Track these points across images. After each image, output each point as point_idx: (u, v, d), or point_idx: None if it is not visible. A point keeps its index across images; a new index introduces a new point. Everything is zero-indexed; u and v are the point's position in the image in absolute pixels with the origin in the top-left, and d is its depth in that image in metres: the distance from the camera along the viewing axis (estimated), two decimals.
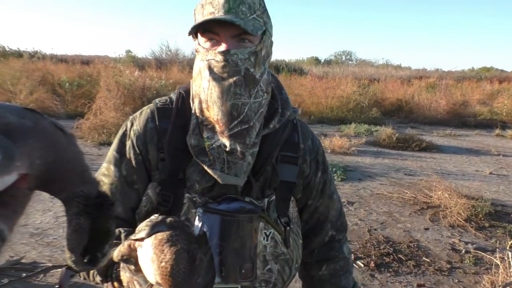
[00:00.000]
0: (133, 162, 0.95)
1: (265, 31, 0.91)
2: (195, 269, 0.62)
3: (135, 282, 0.72)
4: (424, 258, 3.48)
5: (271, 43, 0.96)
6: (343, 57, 47.05)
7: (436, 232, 4.09)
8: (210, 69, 0.88)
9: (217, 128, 0.90)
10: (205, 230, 0.89)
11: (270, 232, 0.95)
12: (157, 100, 1.01)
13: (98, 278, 0.82)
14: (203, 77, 0.90)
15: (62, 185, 0.61)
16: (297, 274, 1.10)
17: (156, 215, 0.70)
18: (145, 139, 0.95)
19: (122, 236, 0.87)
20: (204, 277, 0.65)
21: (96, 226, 0.63)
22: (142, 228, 0.68)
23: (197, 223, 0.90)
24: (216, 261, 0.88)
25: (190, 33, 0.92)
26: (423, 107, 13.35)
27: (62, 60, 18.46)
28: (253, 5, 0.88)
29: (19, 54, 18.38)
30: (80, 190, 0.62)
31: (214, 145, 0.90)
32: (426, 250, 3.66)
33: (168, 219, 0.67)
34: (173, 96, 1.02)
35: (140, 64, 16.97)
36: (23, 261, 2.92)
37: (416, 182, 5.81)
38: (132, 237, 0.70)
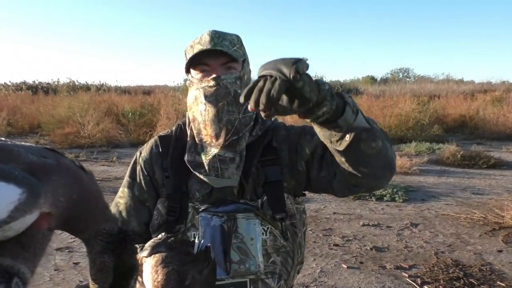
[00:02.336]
0: (143, 183, 1.12)
1: (245, 60, 1.12)
2: (183, 285, 0.71)
3: None
4: (498, 283, 3.23)
5: (250, 71, 1.15)
6: (400, 74, 45.78)
7: (511, 254, 3.79)
8: (205, 94, 1.06)
9: (213, 142, 1.07)
10: (205, 240, 0.98)
11: (268, 228, 1.06)
12: (160, 133, 1.21)
13: None
14: (199, 103, 1.08)
15: (85, 224, 0.60)
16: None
17: (161, 234, 0.79)
18: (151, 162, 1.13)
19: (138, 251, 0.95)
20: None
21: (120, 262, 0.63)
22: (147, 247, 0.77)
23: (201, 229, 1.03)
24: (222, 258, 1.01)
25: (186, 68, 1.11)
26: (489, 122, 12.63)
27: (125, 91, 19.54)
28: (232, 41, 1.08)
29: (87, 87, 19.68)
30: (103, 228, 0.61)
31: (210, 156, 1.06)
32: (500, 273, 3.40)
33: (169, 240, 0.75)
34: (173, 128, 1.21)
35: None
36: None
37: (486, 201, 5.46)
38: (140, 254, 0.78)
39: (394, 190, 5.81)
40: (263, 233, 1.05)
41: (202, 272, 0.74)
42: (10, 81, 22.42)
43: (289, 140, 1.15)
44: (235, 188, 1.08)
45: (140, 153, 1.17)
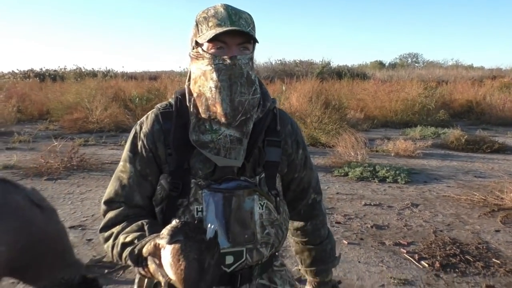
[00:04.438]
0: (145, 158, 1.13)
1: (256, 42, 1.12)
2: (204, 272, 0.79)
3: (159, 273, 0.87)
4: (494, 260, 3.33)
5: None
6: (409, 59, 45.38)
7: (508, 234, 3.89)
8: (219, 71, 1.06)
9: (223, 120, 1.08)
10: (208, 215, 1.09)
11: (264, 203, 1.14)
12: (159, 105, 1.20)
13: (129, 262, 0.96)
14: (209, 79, 1.07)
15: (37, 272, 0.51)
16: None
17: (177, 220, 0.83)
18: (153, 138, 1.13)
19: (146, 228, 1.02)
20: (211, 274, 0.81)
21: None
22: (165, 234, 0.82)
23: (204, 204, 1.09)
24: (224, 230, 1.09)
25: (202, 42, 1.08)
26: (495, 107, 12.61)
27: (131, 77, 19.67)
28: (247, 20, 1.09)
29: (93, 74, 19.80)
30: (61, 278, 0.54)
31: (221, 136, 1.09)
32: (496, 252, 3.50)
33: (186, 228, 0.81)
34: (172, 100, 1.19)
35: None
36: (104, 260, 3.21)
37: (487, 184, 5.54)
38: (157, 240, 0.85)
39: (397, 172, 5.90)
40: (260, 208, 1.13)
41: (214, 256, 0.82)
42: (17, 69, 22.67)
43: (294, 140, 1.26)
44: (235, 167, 1.13)
45: (141, 128, 1.16)
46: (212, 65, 1.06)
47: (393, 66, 35.52)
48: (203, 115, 1.10)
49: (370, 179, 5.82)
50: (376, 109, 12.09)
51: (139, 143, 1.14)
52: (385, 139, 8.85)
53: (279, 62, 23.29)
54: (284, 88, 11.68)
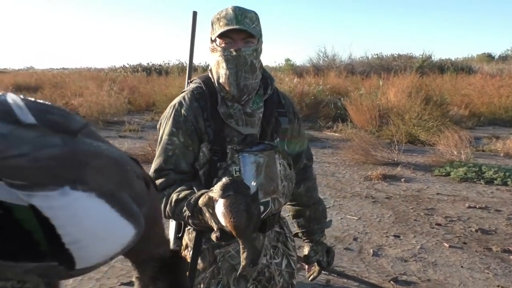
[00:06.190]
0: (188, 131, 1.34)
1: (261, 35, 1.38)
2: (251, 221, 0.94)
3: (213, 221, 1.07)
4: None
5: (262, 42, 1.41)
6: None
7: None
8: (227, 61, 1.32)
9: (233, 99, 1.35)
10: (246, 172, 1.32)
11: (282, 161, 1.41)
12: (191, 88, 1.42)
13: (186, 213, 1.19)
14: (221, 67, 1.34)
15: (142, 249, 0.55)
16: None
17: (227, 178, 0.98)
18: (194, 114, 1.35)
19: (194, 188, 1.25)
20: (256, 221, 0.97)
21: (174, 285, 0.62)
22: (218, 189, 0.97)
23: (242, 164, 1.33)
24: (256, 184, 1.25)
25: (214, 39, 1.35)
26: None
27: None
28: (252, 18, 1.34)
29: (194, 69, 20.75)
30: (157, 253, 0.59)
31: (236, 110, 1.35)
32: None
33: (235, 184, 0.96)
34: (194, 85, 1.42)
35: (298, 71, 17.65)
36: None
37: None
38: (211, 193, 1.00)
39: (507, 173, 5.45)
40: (279, 165, 1.40)
41: (257, 207, 0.98)
42: (128, 64, 24.60)
43: (292, 110, 1.52)
44: (258, 133, 1.38)
45: (181, 107, 1.37)
46: (223, 56, 1.33)
47: (503, 58, 32.38)
48: (220, 94, 1.37)
49: (475, 180, 5.44)
50: (483, 105, 11.18)
51: (182, 119, 1.36)
52: (493, 138, 8.20)
53: (376, 56, 22.51)
54: (381, 83, 11.32)
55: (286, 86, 10.58)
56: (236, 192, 0.95)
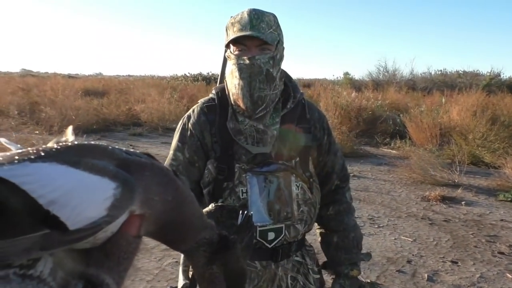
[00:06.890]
0: (194, 146, 1.27)
1: (279, 41, 1.24)
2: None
3: None
4: None
5: (283, 49, 1.28)
6: None
7: None
8: (240, 70, 1.20)
9: (246, 113, 1.24)
10: (252, 195, 1.21)
11: (300, 184, 1.27)
12: (202, 100, 1.34)
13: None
14: (234, 77, 1.23)
15: (184, 233, 0.54)
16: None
17: (212, 205, 0.84)
18: (200, 129, 1.27)
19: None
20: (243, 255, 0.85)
21: (229, 269, 0.61)
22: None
23: (248, 186, 1.22)
24: (266, 209, 1.22)
25: (226, 46, 1.26)
26: None
27: None
28: (269, 22, 1.21)
29: None
30: (203, 238, 0.57)
31: (247, 126, 1.24)
32: None
33: (218, 213, 0.80)
34: (212, 95, 1.34)
35: (357, 85, 17.41)
36: None
37: None
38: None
39: None
40: (296, 188, 1.26)
41: (243, 239, 0.80)
42: (189, 72, 25.41)
43: (321, 126, 1.37)
44: (273, 152, 1.25)
45: (188, 120, 1.29)
46: (236, 65, 1.22)
47: None
48: (233, 107, 1.27)
49: None
50: None
51: (188, 133, 1.28)
52: None
53: (439, 72, 21.72)
54: (443, 100, 10.88)
55: (343, 100, 10.43)
56: (216, 222, 0.78)
